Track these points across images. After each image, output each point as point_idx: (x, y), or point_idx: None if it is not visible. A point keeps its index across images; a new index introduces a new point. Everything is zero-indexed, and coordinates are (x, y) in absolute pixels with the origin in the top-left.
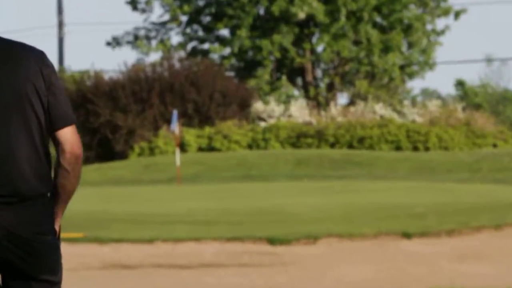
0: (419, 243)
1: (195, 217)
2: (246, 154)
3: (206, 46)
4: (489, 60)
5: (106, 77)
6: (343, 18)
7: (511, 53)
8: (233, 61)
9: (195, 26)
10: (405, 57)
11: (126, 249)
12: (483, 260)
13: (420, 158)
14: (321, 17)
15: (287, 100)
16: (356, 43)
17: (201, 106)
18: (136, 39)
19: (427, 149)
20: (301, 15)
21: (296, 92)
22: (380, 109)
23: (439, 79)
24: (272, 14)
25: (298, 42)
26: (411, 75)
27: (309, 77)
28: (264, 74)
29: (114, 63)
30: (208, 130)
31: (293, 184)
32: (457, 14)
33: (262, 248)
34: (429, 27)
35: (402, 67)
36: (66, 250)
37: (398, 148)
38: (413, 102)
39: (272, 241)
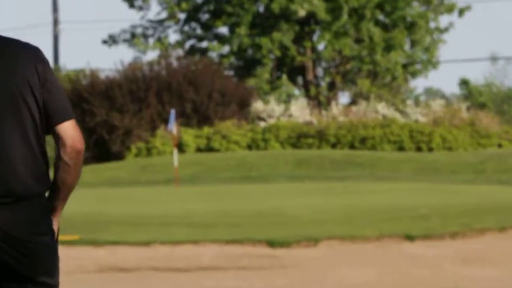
0: (422, 245)
1: (194, 219)
2: (246, 154)
3: (204, 44)
4: (494, 59)
5: (102, 76)
6: (345, 16)
7: None
8: (232, 59)
9: (193, 24)
10: (408, 55)
11: (122, 251)
12: (488, 263)
13: (423, 158)
14: (322, 14)
15: (287, 100)
16: (358, 41)
17: (199, 105)
18: (133, 37)
19: (430, 149)
20: (302, 13)
21: (296, 91)
22: (383, 108)
23: (443, 78)
24: (272, 12)
25: (298, 40)
26: (414, 74)
27: (310, 76)
28: (264, 73)
29: (110, 61)
30: (206, 130)
31: (293, 185)
32: (461, 11)
33: (261, 250)
34: (432, 24)
35: (405, 66)
36: (61, 252)
37: (401, 148)
38: (416, 102)
39: (272, 243)
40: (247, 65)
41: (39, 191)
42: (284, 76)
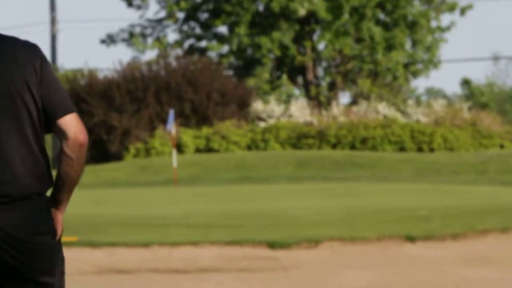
0: (424, 247)
1: (193, 220)
2: (245, 155)
3: (203, 43)
4: (496, 58)
5: (101, 75)
6: (345, 15)
7: None
8: (232, 59)
9: (192, 23)
10: (409, 55)
11: (121, 253)
12: (489, 264)
13: (424, 159)
14: (322, 13)
15: (287, 100)
16: (359, 40)
17: (198, 105)
18: (131, 37)
19: (431, 150)
20: (302, 12)
21: (296, 91)
22: (384, 108)
23: (444, 78)
24: (272, 11)
25: (298, 39)
26: (415, 74)
27: (310, 76)
28: (264, 72)
29: (108, 61)
30: (205, 130)
31: (293, 186)
32: (463, 10)
33: (261, 252)
34: (434, 24)
35: (406, 66)
36: None
37: (402, 149)
38: (418, 102)
39: (272, 245)
40: (246, 65)
41: (39, 190)
42: (284, 76)
